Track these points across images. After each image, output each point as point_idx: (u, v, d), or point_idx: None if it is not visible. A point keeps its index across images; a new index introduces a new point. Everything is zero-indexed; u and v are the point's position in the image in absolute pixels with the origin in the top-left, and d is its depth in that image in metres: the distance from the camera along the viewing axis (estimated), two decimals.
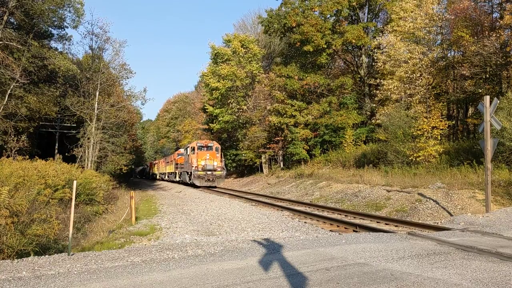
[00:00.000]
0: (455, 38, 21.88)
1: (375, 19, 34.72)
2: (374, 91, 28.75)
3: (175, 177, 41.29)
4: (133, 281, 4.83)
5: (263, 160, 37.02)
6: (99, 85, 25.81)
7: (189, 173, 31.95)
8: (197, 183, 29.74)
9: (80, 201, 12.79)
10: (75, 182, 7.47)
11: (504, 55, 19.43)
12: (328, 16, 31.84)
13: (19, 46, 20.53)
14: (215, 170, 30.37)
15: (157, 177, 57.77)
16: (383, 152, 22.97)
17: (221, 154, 32.97)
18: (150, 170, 69.37)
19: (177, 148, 56.51)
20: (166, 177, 48.73)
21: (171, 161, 45.78)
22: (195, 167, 30.22)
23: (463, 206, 12.48)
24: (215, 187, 30.46)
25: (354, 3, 31.01)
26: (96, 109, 25.61)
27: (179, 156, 39.23)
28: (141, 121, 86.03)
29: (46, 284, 4.68)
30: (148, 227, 10.97)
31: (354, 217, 12.82)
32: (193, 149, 32.03)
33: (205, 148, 32.08)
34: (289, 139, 32.28)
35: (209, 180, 29.90)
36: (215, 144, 33.28)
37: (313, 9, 30.99)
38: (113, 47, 27.65)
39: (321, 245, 6.95)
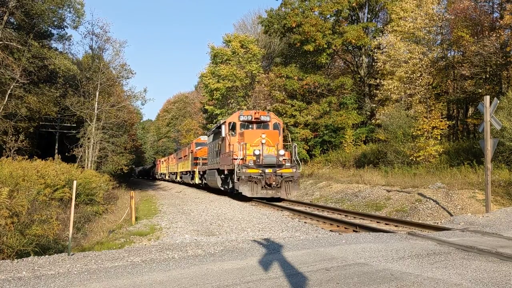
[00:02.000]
0: (455, 38, 21.92)
1: (375, 19, 34.75)
2: (374, 91, 28.75)
3: (193, 179, 27.90)
4: (133, 281, 4.83)
5: None
6: (99, 85, 25.83)
7: (225, 172, 18.17)
8: (246, 192, 15.77)
9: (80, 201, 12.79)
10: (75, 182, 7.47)
11: (504, 55, 19.45)
12: (328, 16, 31.87)
13: (19, 46, 20.56)
14: (279, 166, 16.45)
15: (166, 177, 46.26)
16: (383, 152, 22.97)
17: (283, 137, 19.63)
18: (157, 169, 57.54)
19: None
20: (178, 178, 36.31)
21: (185, 156, 32.65)
22: (241, 160, 16.20)
23: (463, 206, 12.48)
24: (279, 199, 17.36)
25: (354, 3, 31.02)
26: (96, 109, 25.62)
27: (199, 147, 27.21)
28: (141, 121, 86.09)
29: (46, 284, 4.68)
30: (148, 227, 10.97)
31: (354, 217, 12.81)
32: (233, 126, 18.25)
33: (255, 125, 18.29)
34: (289, 139, 32.28)
35: (269, 185, 16.02)
36: (273, 118, 18.92)
37: (313, 10, 31.01)
38: (113, 47, 27.70)
39: (321, 245, 6.95)
